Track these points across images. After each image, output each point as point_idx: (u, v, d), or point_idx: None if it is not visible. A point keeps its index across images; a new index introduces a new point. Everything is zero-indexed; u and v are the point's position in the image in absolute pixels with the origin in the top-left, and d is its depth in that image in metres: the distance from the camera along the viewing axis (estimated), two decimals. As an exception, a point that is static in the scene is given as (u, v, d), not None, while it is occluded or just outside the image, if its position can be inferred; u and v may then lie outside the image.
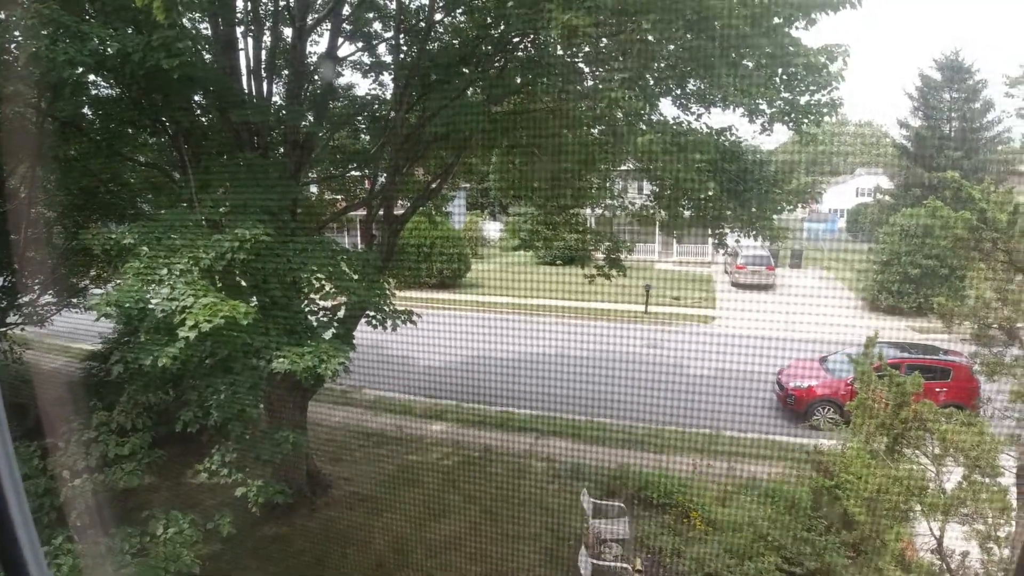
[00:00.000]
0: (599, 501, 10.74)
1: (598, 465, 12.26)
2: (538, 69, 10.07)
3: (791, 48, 8.02)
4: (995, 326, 5.03)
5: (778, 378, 14.04)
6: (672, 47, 8.68)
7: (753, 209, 9.40)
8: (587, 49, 9.69)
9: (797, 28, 7.90)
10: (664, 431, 13.42)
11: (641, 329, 17.37)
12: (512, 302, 18.27)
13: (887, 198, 17.40)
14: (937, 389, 10.88)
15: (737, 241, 10.44)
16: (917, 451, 5.25)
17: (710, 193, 9.76)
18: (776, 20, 7.75)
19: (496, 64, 10.10)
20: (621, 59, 9.20)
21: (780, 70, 8.35)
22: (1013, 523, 4.80)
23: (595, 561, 9.38)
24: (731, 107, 8.95)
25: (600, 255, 12.13)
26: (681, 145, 9.81)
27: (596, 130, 10.78)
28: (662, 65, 8.98)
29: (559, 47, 9.55)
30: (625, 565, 9.52)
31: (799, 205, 10.20)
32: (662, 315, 17.70)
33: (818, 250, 17.18)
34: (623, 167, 11.67)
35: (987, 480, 4.93)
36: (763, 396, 13.99)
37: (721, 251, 17.67)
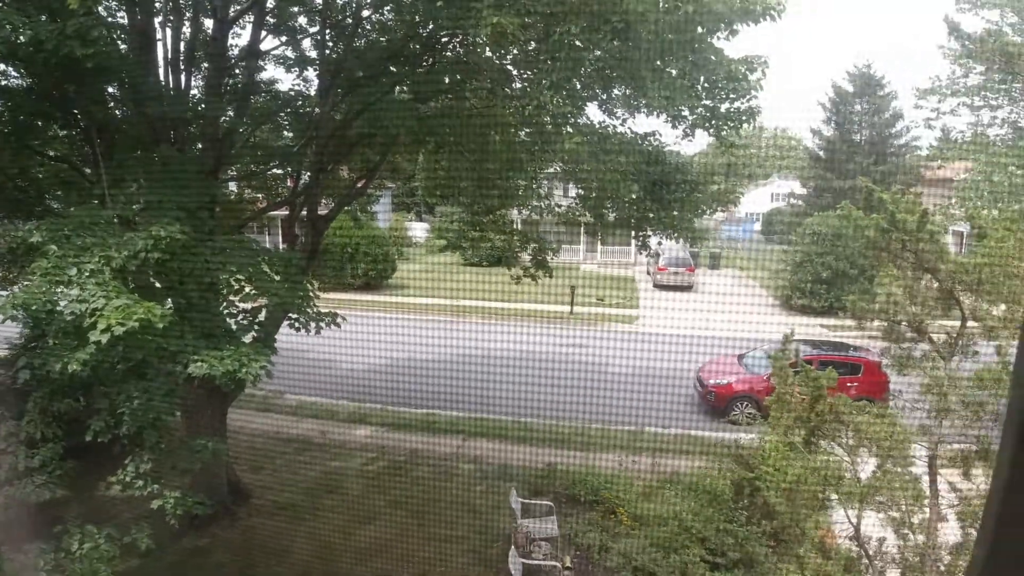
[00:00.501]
0: (527, 500, 10.80)
1: (526, 465, 12.34)
2: (466, 70, 10.04)
3: (712, 57, 8.32)
4: (904, 323, 5.37)
5: (698, 375, 14.52)
6: (599, 53, 8.82)
7: (675, 212, 9.67)
8: (515, 52, 9.74)
9: (719, 38, 8.20)
10: (590, 429, 13.66)
11: (566, 330, 17.63)
12: (438, 303, 18.15)
13: (800, 203, 18.35)
14: (848, 384, 11.48)
15: (660, 243, 10.71)
16: (833, 443, 5.53)
17: (634, 196, 10.00)
18: (699, 30, 8.01)
19: (424, 63, 10.00)
20: (550, 63, 9.27)
21: (702, 78, 8.63)
22: (927, 510, 5.14)
23: (525, 560, 9.42)
24: (655, 113, 9.17)
25: (527, 256, 12.20)
26: (607, 149, 10.00)
27: (523, 132, 10.83)
28: (589, 70, 9.11)
29: (488, 49, 9.56)
30: (555, 563, 9.62)
31: (719, 209, 10.58)
32: (587, 316, 18.00)
33: (735, 252, 17.89)
34: (550, 170, 11.79)
35: (899, 469, 5.24)
36: (684, 393, 14.41)
37: (644, 253, 18.10)
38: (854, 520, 5.38)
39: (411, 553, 9.87)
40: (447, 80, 10.44)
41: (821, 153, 16.97)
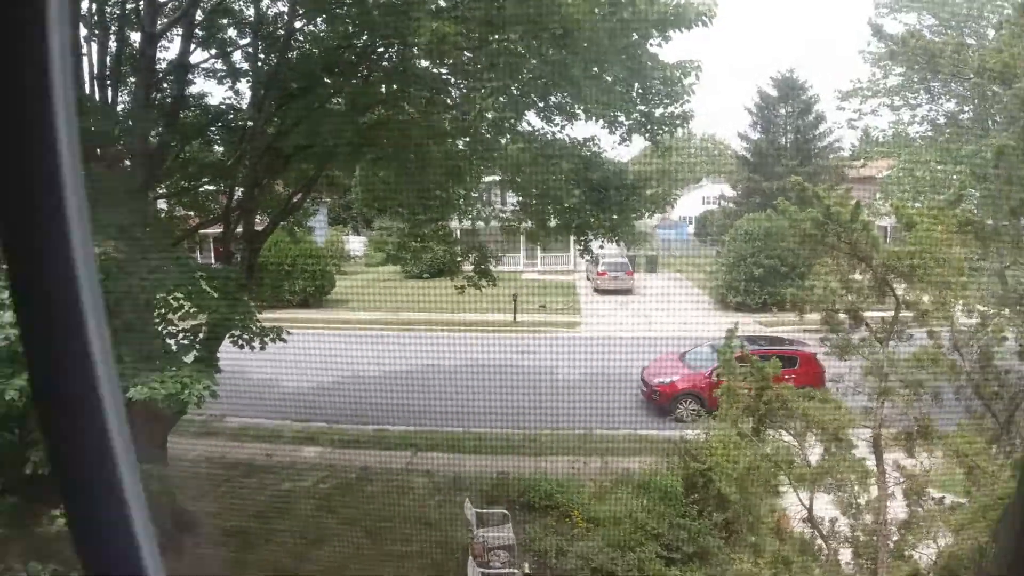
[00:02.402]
0: (482, 510, 10.73)
1: (479, 474, 12.26)
2: (403, 79, 10.00)
3: (648, 63, 8.54)
4: (842, 311, 5.63)
5: (643, 375, 14.77)
6: (536, 61, 8.93)
7: (615, 216, 9.85)
8: (452, 61, 9.77)
9: (652, 45, 8.44)
10: (540, 435, 13.70)
11: (511, 338, 17.66)
12: (381, 318, 17.90)
13: (731, 205, 19.04)
14: (787, 376, 11.87)
15: (601, 247, 10.88)
16: (781, 430, 5.73)
17: (575, 201, 10.14)
18: (634, 36, 8.22)
19: (360, 74, 9.91)
20: (488, 71, 9.33)
21: (637, 84, 8.84)
22: (875, 489, 5.38)
23: (484, 570, 9.36)
24: (592, 119, 9.33)
25: (469, 266, 12.18)
26: (547, 155, 10.12)
27: (461, 142, 10.86)
28: (527, 77, 9.21)
29: (425, 58, 9.56)
30: (514, 571, 9.58)
31: (656, 212, 10.84)
32: (530, 323, 18.08)
33: (671, 255, 18.40)
34: (489, 178, 11.84)
35: (844, 452, 5.47)
36: (630, 393, 14.64)
37: (585, 258, 18.35)
38: (807, 503, 5.57)
39: (367, 572, 9.67)
40: (383, 90, 10.37)
41: (748, 156, 17.66)
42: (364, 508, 11.23)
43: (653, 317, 15.99)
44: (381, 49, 9.71)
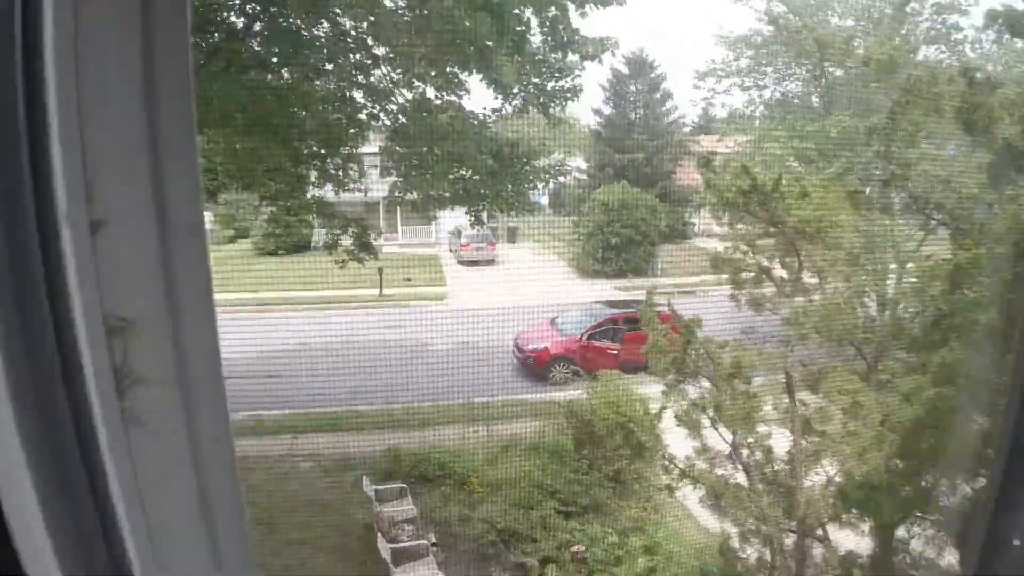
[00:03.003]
0: (380, 486, 10.63)
1: (366, 452, 12.07)
2: (281, 41, 9.40)
3: (542, 36, 8.75)
4: (754, 270, 6.30)
5: (515, 343, 15.22)
6: (431, 29, 8.80)
7: (509, 186, 10.04)
8: (327, 25, 9.36)
9: (547, 18, 8.65)
10: (421, 408, 13.69)
11: (379, 313, 17.33)
12: (236, 298, 16.75)
13: (585, 177, 20.01)
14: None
15: (493, 218, 11.03)
16: (703, 378, 6.33)
17: (467, 173, 10.20)
18: (528, 10, 8.38)
19: (238, 36, 9.18)
20: (374, 36, 9.06)
21: (533, 55, 9.02)
22: (787, 430, 6.18)
23: (393, 545, 9.32)
24: (489, 88, 9.37)
25: (348, 240, 11.82)
26: (436, 125, 10.04)
27: (341, 111, 10.44)
28: (420, 45, 9.05)
29: (294, 15, 9.09)
30: (422, 541, 9.64)
31: (552, 181, 11.19)
32: (396, 297, 17.85)
33: (532, 226, 19.00)
34: (371, 148, 11.50)
35: (749, 390, 6.19)
36: (504, 361, 15.04)
37: (449, 232, 18.39)
38: (729, 441, 6.24)
39: (267, 565, 9.22)
40: (260, 52, 9.70)
41: (601, 131, 18.60)
42: (251, 500, 10.63)
43: (518, 286, 16.51)
44: (255, 8, 9.05)
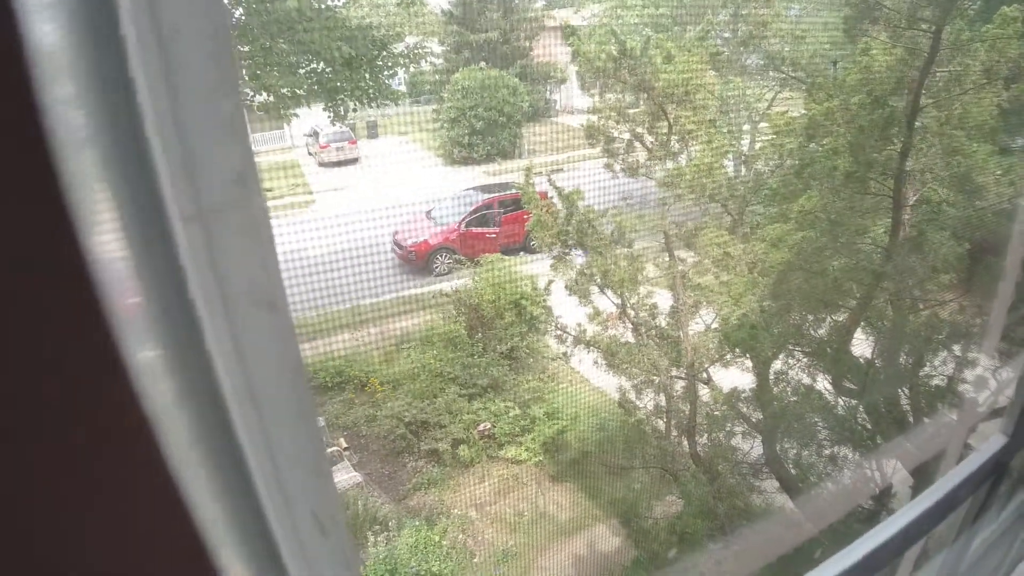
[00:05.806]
0: (279, 402, 10.48)
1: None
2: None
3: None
4: (626, 137, 6.47)
5: (394, 239, 15.02)
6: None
7: (367, 75, 9.53)
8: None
9: None
10: (306, 320, 13.37)
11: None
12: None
13: (441, 61, 19.20)
14: (525, 216, 13.10)
15: (354, 110, 10.50)
16: (586, 248, 6.57)
17: (320, 66, 9.54)
18: None
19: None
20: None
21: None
22: (669, 286, 6.63)
23: (304, 455, 9.34)
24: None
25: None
26: (281, 15, 9.21)
27: None
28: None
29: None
30: (332, 448, 9.73)
31: (411, 67, 10.68)
32: (259, 209, 16.86)
33: (389, 118, 18.21)
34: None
35: (632, 253, 6.54)
36: (387, 259, 14.86)
37: (305, 135, 17.35)
38: (617, 302, 6.63)
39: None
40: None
41: (454, 11, 17.79)
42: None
43: (387, 182, 16.08)
44: None
